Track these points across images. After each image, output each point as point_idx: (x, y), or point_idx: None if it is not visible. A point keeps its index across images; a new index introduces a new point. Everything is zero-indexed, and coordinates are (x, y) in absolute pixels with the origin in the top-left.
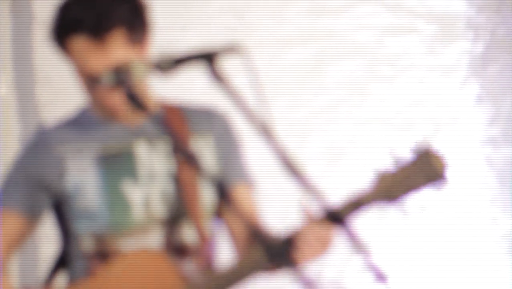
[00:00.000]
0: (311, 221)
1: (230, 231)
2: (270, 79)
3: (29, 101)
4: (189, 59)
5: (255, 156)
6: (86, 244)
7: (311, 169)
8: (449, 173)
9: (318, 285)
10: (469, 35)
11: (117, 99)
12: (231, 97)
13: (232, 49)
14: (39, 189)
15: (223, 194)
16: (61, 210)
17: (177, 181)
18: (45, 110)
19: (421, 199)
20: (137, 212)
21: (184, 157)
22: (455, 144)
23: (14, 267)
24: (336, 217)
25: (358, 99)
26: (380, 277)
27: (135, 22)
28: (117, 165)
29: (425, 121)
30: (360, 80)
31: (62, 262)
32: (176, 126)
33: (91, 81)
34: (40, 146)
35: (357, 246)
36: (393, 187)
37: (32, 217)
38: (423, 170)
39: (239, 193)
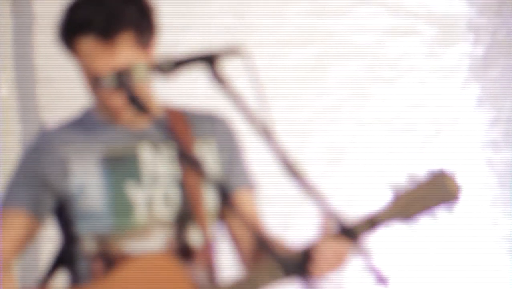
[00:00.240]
0: (328, 235)
1: (232, 235)
2: (270, 80)
3: (30, 102)
4: (190, 61)
5: (256, 157)
6: (89, 245)
7: (312, 170)
8: (462, 194)
9: (318, 286)
10: (469, 37)
11: (119, 102)
12: (232, 99)
13: (232, 51)
14: (44, 189)
15: (226, 198)
16: (64, 210)
17: (182, 185)
18: (46, 111)
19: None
20: (140, 213)
21: (189, 162)
22: (455, 146)
23: (15, 267)
24: (351, 234)
25: (358, 101)
26: (381, 279)
27: (143, 25)
28: (121, 167)
29: (425, 123)
30: (361, 82)
31: (60, 262)
32: (180, 132)
33: (94, 82)
34: (44, 146)
35: (358, 248)
36: (408, 206)
37: (38, 217)
38: (438, 190)
39: (242, 197)
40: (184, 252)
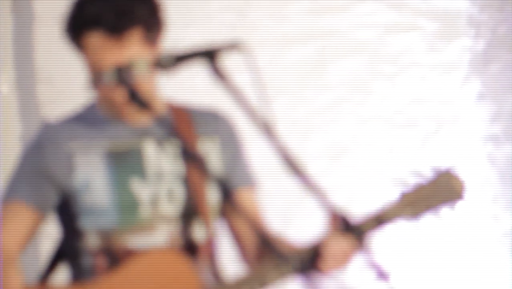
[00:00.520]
0: (336, 232)
1: (234, 233)
2: (271, 77)
3: (31, 100)
4: (190, 56)
5: (257, 154)
6: (92, 240)
7: (313, 167)
8: (466, 194)
9: (319, 283)
10: (470, 32)
11: (120, 98)
12: (233, 95)
13: (233, 46)
14: (48, 184)
15: (228, 195)
16: (66, 205)
17: (186, 181)
18: (46, 109)
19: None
20: (145, 209)
21: (192, 159)
22: (456, 142)
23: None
24: (358, 232)
25: (360, 97)
26: (382, 275)
27: (152, 22)
28: (125, 162)
29: (426, 119)
30: (362, 78)
31: (61, 257)
32: (184, 129)
33: (98, 78)
34: (49, 140)
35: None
36: (415, 204)
37: (41, 212)
38: (444, 189)
39: (244, 195)
40: (188, 248)
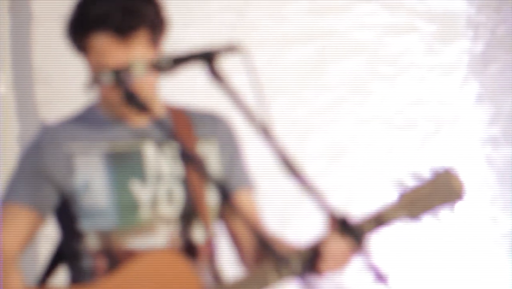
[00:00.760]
0: (335, 233)
1: (232, 235)
2: (270, 78)
3: (28, 100)
4: (188, 58)
5: (255, 155)
6: (92, 241)
7: (312, 168)
8: (466, 193)
9: (318, 284)
10: (469, 34)
11: (117, 98)
12: (231, 97)
13: (231, 48)
14: (47, 185)
15: (227, 197)
16: (66, 207)
17: (186, 183)
18: (44, 109)
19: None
20: (144, 211)
21: (191, 161)
22: (455, 143)
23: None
24: (357, 232)
25: (358, 98)
26: (380, 277)
27: (157, 23)
28: (125, 164)
29: (425, 121)
30: (361, 79)
31: (60, 259)
32: (183, 131)
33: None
34: (48, 141)
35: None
36: (414, 204)
37: (41, 213)
38: (443, 189)
39: (242, 197)
40: (188, 249)
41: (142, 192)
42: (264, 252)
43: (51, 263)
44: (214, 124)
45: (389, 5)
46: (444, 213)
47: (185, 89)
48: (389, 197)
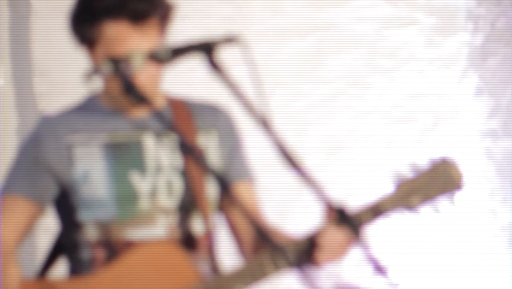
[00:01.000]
0: (332, 223)
1: (232, 227)
2: (268, 70)
3: (27, 93)
4: (187, 49)
5: (254, 147)
6: (91, 232)
7: (310, 161)
8: (465, 183)
9: (316, 277)
10: (468, 27)
11: (117, 89)
12: (230, 88)
13: (230, 39)
14: (47, 176)
15: (226, 189)
16: (65, 198)
17: (185, 174)
18: (43, 101)
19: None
20: (144, 202)
21: (191, 153)
22: (454, 136)
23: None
24: (354, 223)
25: (357, 91)
26: (379, 269)
27: (166, 12)
28: (125, 154)
29: (424, 114)
30: (360, 72)
31: (60, 250)
32: (183, 123)
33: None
34: (48, 132)
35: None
36: (411, 194)
37: (40, 204)
38: (441, 178)
39: (242, 189)
40: (187, 240)
41: (141, 183)
42: (263, 244)
43: (51, 254)
44: (214, 116)
45: None
46: (443, 205)
47: (184, 81)
48: (388, 190)
